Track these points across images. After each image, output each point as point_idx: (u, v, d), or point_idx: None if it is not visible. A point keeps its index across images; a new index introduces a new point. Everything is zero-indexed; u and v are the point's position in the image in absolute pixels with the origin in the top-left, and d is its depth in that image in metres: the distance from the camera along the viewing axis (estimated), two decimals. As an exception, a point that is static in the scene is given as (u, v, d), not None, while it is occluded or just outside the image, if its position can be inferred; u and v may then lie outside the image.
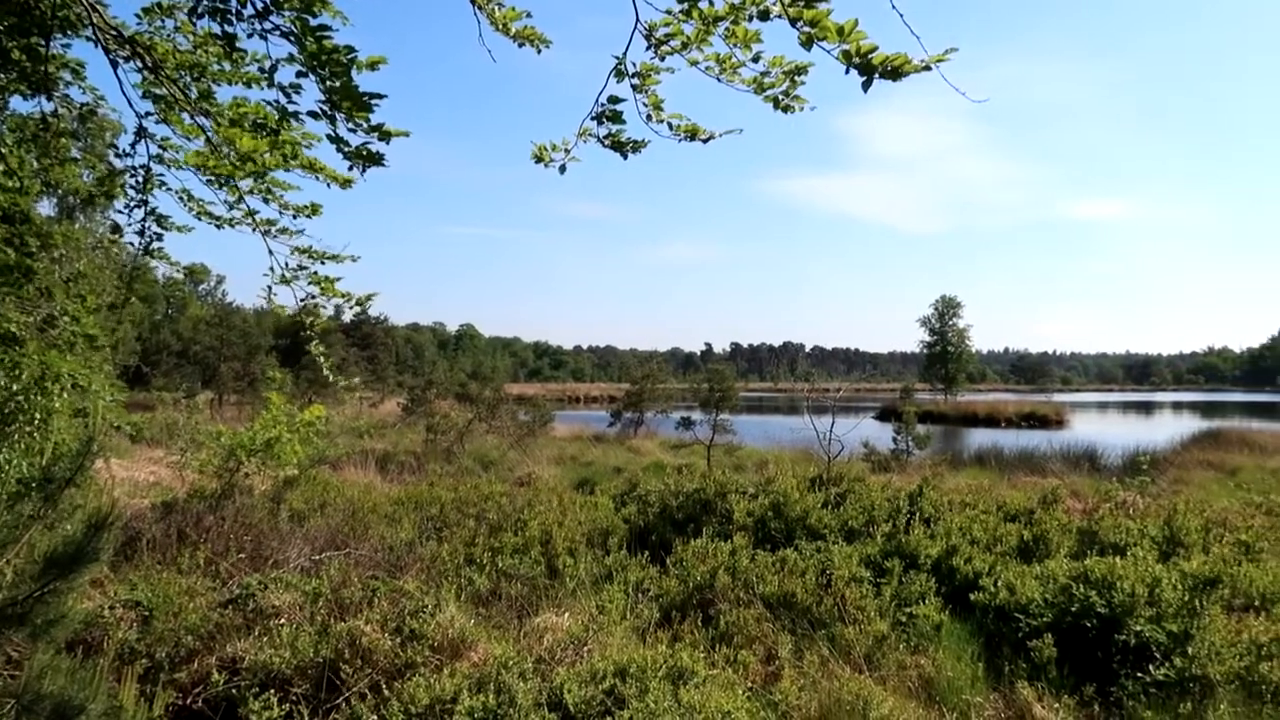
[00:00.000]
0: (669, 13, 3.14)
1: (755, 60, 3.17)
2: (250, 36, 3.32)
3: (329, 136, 3.54)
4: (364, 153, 3.66)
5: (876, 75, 2.66)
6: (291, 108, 3.55)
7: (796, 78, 3.21)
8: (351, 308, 5.13)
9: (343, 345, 58.48)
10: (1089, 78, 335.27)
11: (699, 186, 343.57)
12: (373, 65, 3.40)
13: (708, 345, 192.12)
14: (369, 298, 5.02)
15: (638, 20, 3.20)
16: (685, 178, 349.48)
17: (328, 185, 4.46)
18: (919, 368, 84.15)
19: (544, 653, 4.80)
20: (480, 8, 3.43)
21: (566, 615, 5.58)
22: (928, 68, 2.64)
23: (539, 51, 3.68)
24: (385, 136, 3.56)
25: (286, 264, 4.89)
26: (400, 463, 17.01)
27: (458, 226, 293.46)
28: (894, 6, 2.66)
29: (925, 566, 7.21)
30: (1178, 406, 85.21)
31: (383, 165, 3.75)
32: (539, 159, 3.81)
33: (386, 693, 4.22)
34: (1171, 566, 6.55)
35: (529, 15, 3.49)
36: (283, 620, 5.09)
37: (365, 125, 3.48)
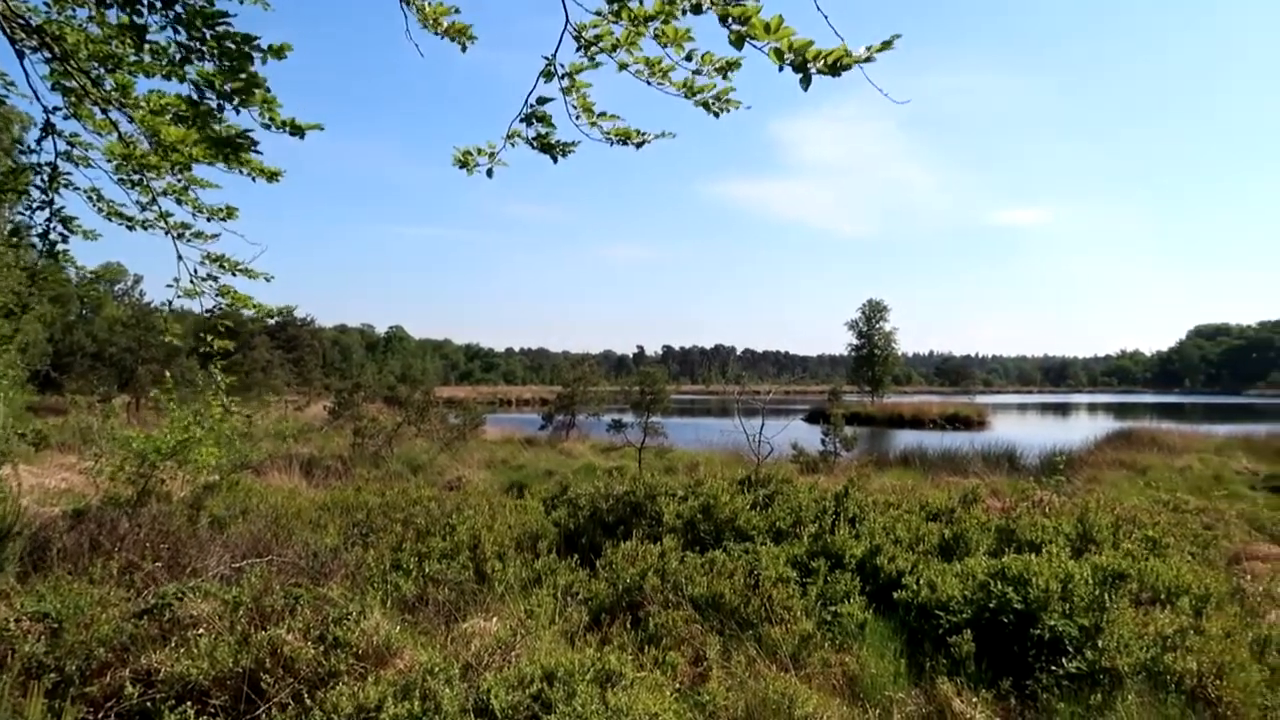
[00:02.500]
0: (598, 14, 3.13)
1: (688, 59, 3.18)
2: (164, 29, 3.21)
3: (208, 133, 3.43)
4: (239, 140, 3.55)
5: (814, 71, 2.66)
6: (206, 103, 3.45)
7: (729, 73, 3.21)
8: (267, 319, 4.99)
9: (267, 347, 57.13)
10: (1015, 88, 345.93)
11: (635, 189, 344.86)
12: (278, 53, 3.31)
13: (640, 348, 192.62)
14: (285, 310, 4.90)
15: (567, 21, 3.19)
16: (621, 180, 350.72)
17: (253, 179, 4.33)
18: (847, 370, 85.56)
19: (471, 658, 4.76)
20: (408, 4, 3.39)
21: (495, 620, 5.54)
22: (869, 59, 2.62)
23: (464, 48, 3.64)
24: (298, 131, 3.49)
25: (195, 271, 4.74)
26: (326, 467, 16.69)
27: (388, 225, 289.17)
28: (818, 7, 2.68)
29: (850, 566, 7.35)
30: (1092, 408, 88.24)
31: (257, 153, 3.63)
32: (463, 164, 3.77)
33: (309, 702, 4.13)
34: (1084, 562, 6.78)
35: (457, 11, 3.46)
36: (201, 630, 4.95)
37: (277, 121, 3.40)
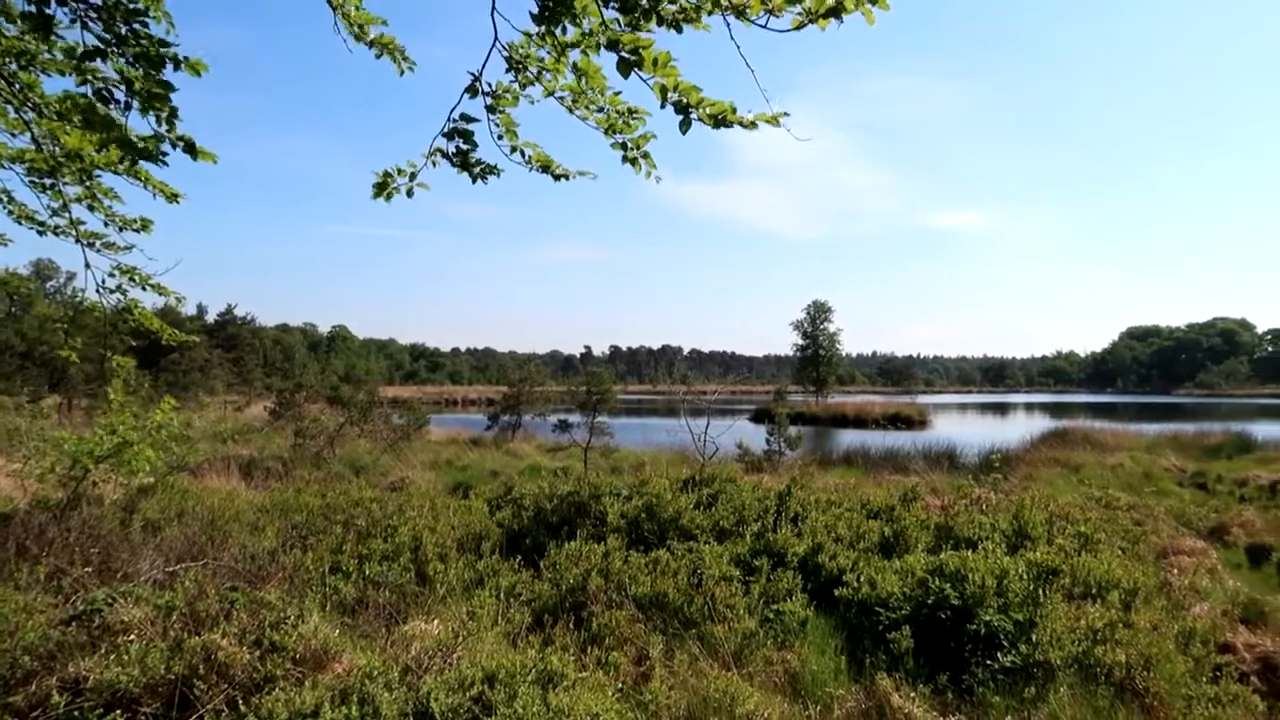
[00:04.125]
0: (527, 34, 3.11)
1: (602, 93, 3.16)
2: (73, 23, 3.09)
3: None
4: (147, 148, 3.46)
5: (695, 118, 2.68)
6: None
7: (631, 120, 3.18)
8: (174, 338, 4.83)
9: (205, 347, 55.90)
10: (954, 93, 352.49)
11: (583, 190, 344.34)
12: (194, 68, 3.22)
13: (587, 348, 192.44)
14: (193, 338, 4.77)
15: (496, 38, 3.16)
16: (571, 182, 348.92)
17: (154, 196, 4.21)
18: (792, 370, 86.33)
19: (411, 661, 4.70)
20: (335, 7, 3.33)
21: (436, 622, 5.49)
22: (753, 125, 2.66)
23: (401, 73, 3.60)
24: (191, 150, 3.40)
25: (103, 282, 4.60)
26: (266, 468, 16.35)
27: (332, 225, 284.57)
28: (738, 50, 2.68)
29: (792, 564, 7.42)
30: (1029, 407, 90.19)
31: (163, 163, 3.54)
32: (381, 188, 3.62)
33: (243, 708, 4.06)
34: (1018, 558, 6.94)
35: (385, 23, 3.40)
36: (132, 636, 4.82)
37: (173, 134, 3.31)
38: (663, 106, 2.70)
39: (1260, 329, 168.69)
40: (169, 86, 3.21)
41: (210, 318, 62.52)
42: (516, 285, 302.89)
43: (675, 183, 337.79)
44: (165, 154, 3.52)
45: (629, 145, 3.25)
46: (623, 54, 2.67)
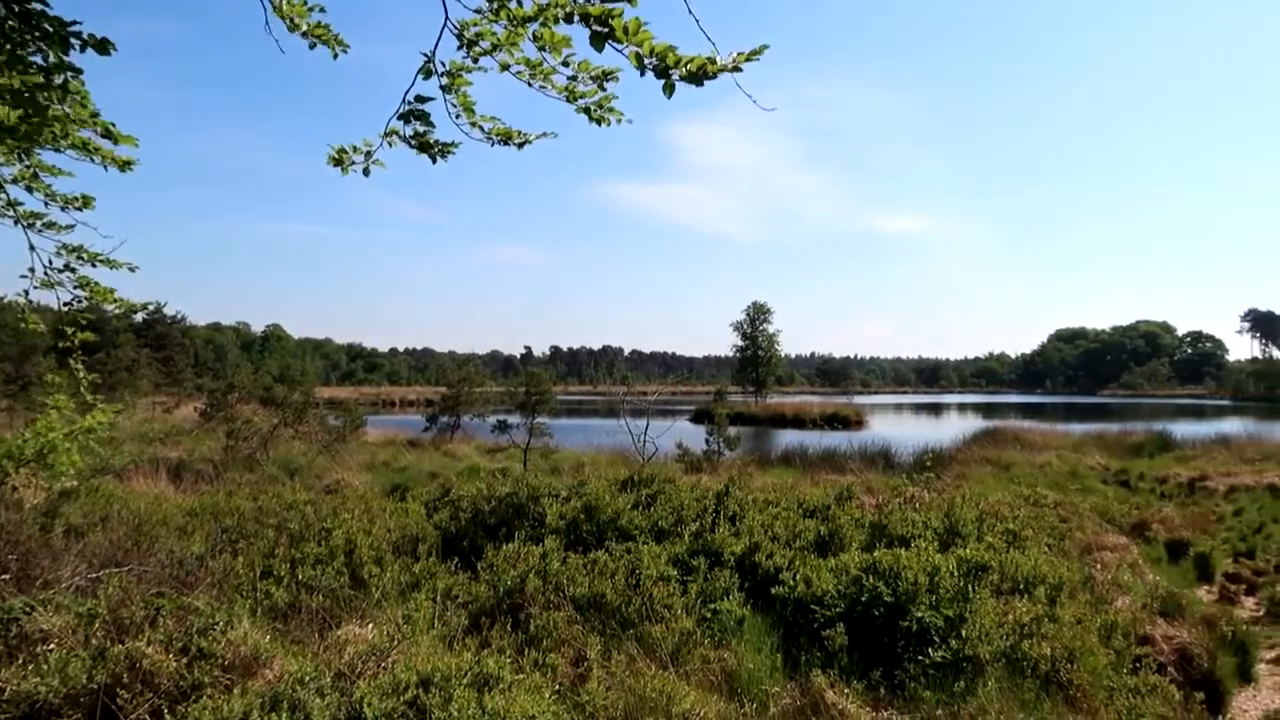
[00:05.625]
0: (478, 12, 3.10)
1: (565, 65, 3.16)
2: None
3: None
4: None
5: (676, 78, 2.67)
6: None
7: (604, 83, 3.21)
8: (132, 314, 4.73)
9: (133, 346, 54.30)
10: (894, 101, 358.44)
11: (523, 191, 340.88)
12: (101, 47, 3.12)
13: (527, 348, 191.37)
14: (149, 306, 4.67)
15: (447, 18, 3.14)
16: (509, 182, 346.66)
17: (105, 168, 4.10)
18: (732, 371, 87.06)
19: (345, 666, 4.63)
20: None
21: (371, 626, 5.42)
22: (737, 68, 2.61)
23: (335, 55, 3.55)
24: (109, 135, 3.32)
25: (50, 263, 4.48)
26: (196, 471, 15.94)
27: (268, 222, 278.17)
28: (690, 10, 2.70)
29: (730, 563, 7.48)
30: (962, 407, 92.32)
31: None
32: (337, 163, 3.67)
33: (169, 717, 3.95)
34: (950, 555, 7.10)
35: (323, 10, 3.35)
36: (52, 645, 4.66)
37: (89, 113, 3.22)
38: (642, 74, 2.67)
39: (1180, 331, 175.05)
40: (75, 70, 3.12)
41: (138, 316, 60.66)
42: (458, 285, 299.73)
43: (616, 185, 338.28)
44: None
45: (593, 107, 3.25)
46: (594, 27, 2.66)
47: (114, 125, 3.40)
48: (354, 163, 3.63)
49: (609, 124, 3.32)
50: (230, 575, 6.51)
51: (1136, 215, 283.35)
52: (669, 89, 2.68)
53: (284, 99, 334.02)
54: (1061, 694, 5.65)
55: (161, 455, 17.52)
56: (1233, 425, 39.97)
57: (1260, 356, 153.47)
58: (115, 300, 4.68)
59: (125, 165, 4.03)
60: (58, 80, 3.18)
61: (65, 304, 4.67)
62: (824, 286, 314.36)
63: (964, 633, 5.89)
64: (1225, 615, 8.42)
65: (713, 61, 2.61)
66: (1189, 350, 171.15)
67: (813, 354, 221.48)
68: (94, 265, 4.57)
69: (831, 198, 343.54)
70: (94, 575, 6.04)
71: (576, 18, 2.75)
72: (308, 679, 4.20)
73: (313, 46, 3.41)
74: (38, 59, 3.12)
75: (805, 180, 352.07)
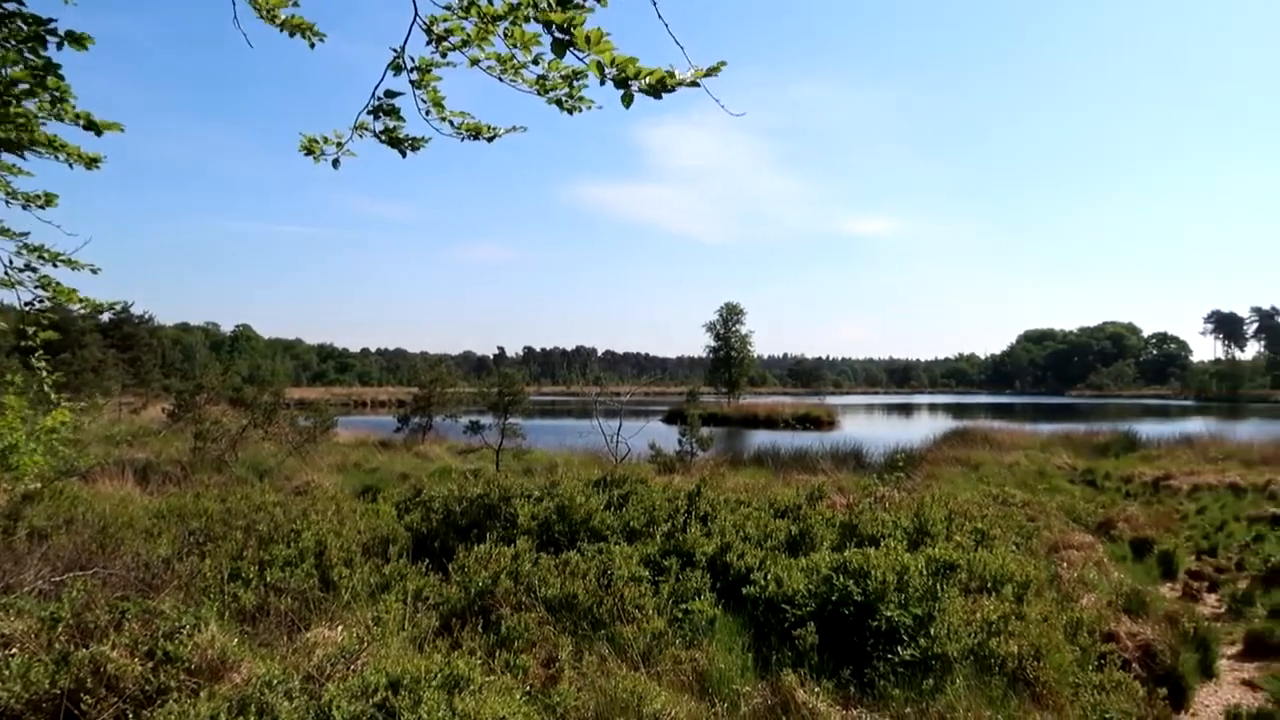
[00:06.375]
0: (448, 8, 3.10)
1: (535, 63, 3.17)
2: None
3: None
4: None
5: (636, 90, 2.69)
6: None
7: (575, 83, 3.23)
8: (98, 314, 4.65)
9: (99, 346, 53.51)
10: (867, 103, 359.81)
11: (497, 190, 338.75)
12: (78, 41, 3.09)
13: (500, 349, 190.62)
14: (115, 306, 4.60)
15: (416, 13, 3.14)
16: (482, 181, 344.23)
17: (70, 166, 4.04)
18: (705, 372, 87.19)
19: (313, 669, 4.60)
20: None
21: (340, 628, 5.39)
22: (695, 84, 2.65)
23: (312, 45, 3.53)
24: (93, 127, 3.28)
25: (10, 262, 4.40)
26: (164, 473, 15.72)
27: (238, 221, 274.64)
28: (659, 15, 2.71)
29: (701, 563, 7.50)
30: (933, 408, 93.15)
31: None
32: (309, 152, 3.65)
33: (134, 722, 3.92)
34: (919, 555, 7.16)
35: (295, 4, 3.33)
36: (14, 650, 4.60)
37: (70, 113, 3.19)
38: (602, 83, 2.69)
39: (1146, 333, 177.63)
40: (54, 66, 3.08)
41: (104, 316, 59.69)
42: (431, 285, 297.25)
43: (589, 185, 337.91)
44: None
45: (564, 98, 3.26)
46: (555, 34, 2.67)
47: (93, 115, 3.35)
48: (325, 153, 3.62)
49: (581, 112, 3.33)
50: (197, 578, 6.45)
51: (1105, 218, 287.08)
52: (627, 100, 2.70)
53: (252, 98, 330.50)
54: (1028, 691, 5.72)
55: (128, 457, 17.28)
56: (1196, 425, 40.76)
57: (1223, 358, 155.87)
58: (78, 300, 4.61)
59: (92, 163, 3.97)
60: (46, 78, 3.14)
61: (26, 304, 4.59)
62: (797, 288, 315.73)
63: (932, 631, 5.94)
64: (1188, 612, 8.55)
65: (671, 75, 2.64)
66: (1154, 351, 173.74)
67: (785, 355, 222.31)
68: (55, 265, 4.49)
69: (805, 199, 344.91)
70: (58, 578, 5.97)
71: (540, 23, 2.76)
72: (276, 682, 4.17)
73: (292, 35, 3.38)
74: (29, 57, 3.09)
75: (779, 181, 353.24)
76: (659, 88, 2.66)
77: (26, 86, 3.16)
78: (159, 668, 4.38)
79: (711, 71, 2.64)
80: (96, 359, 50.35)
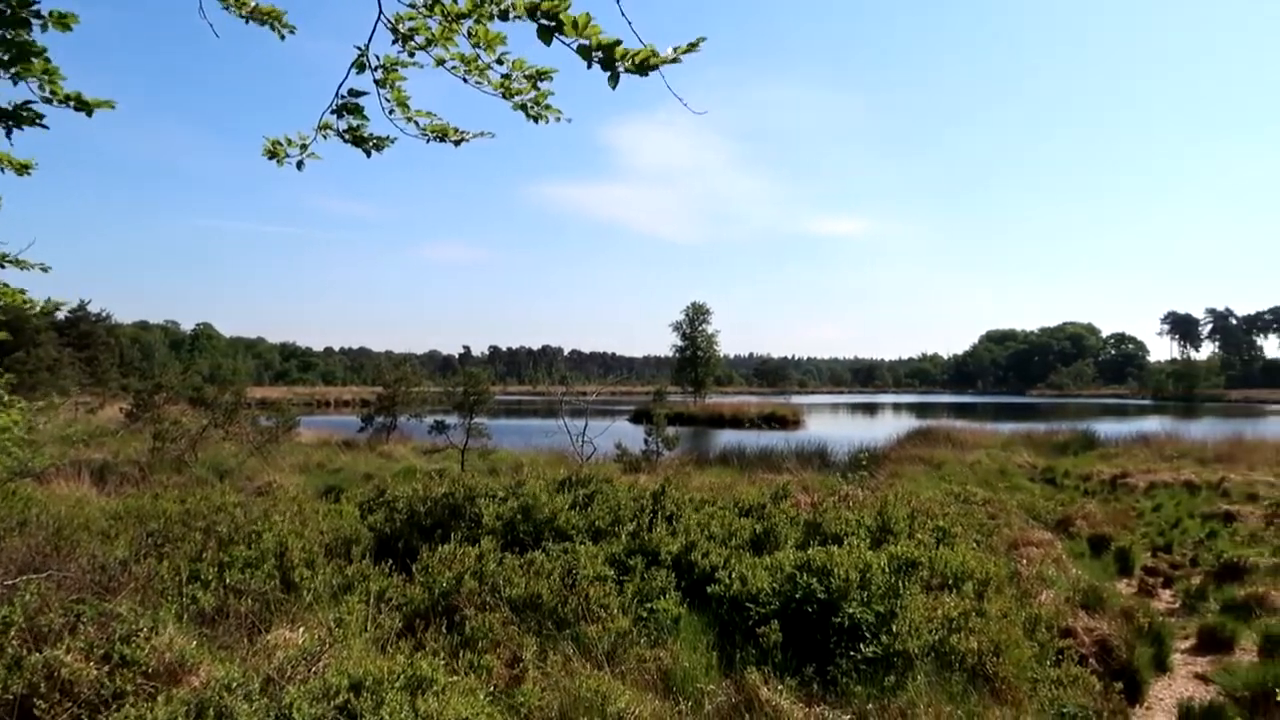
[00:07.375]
0: (413, 6, 3.09)
1: (500, 63, 3.16)
2: None
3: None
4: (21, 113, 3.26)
5: (622, 70, 2.70)
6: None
7: (539, 83, 3.22)
8: (50, 313, 4.56)
9: (55, 345, 52.46)
10: (833, 104, 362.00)
11: (462, 189, 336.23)
12: (62, 22, 3.03)
13: (466, 348, 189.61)
14: (61, 306, 4.49)
15: (380, 11, 3.12)
16: (447, 180, 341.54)
17: (1, 171, 3.93)
18: (671, 371, 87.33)
19: (274, 671, 4.55)
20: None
21: (301, 630, 5.34)
22: (675, 60, 2.67)
23: (282, 37, 3.49)
24: (84, 107, 3.23)
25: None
26: (121, 473, 15.46)
27: (198, 218, 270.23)
28: (622, 13, 2.72)
29: (666, 562, 7.52)
30: (897, 407, 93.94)
31: (42, 126, 3.34)
32: (273, 155, 3.61)
33: (89, 727, 3.85)
34: (881, 552, 7.22)
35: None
36: (-36, 656, 4.51)
37: (60, 94, 3.13)
38: (589, 66, 2.70)
39: (1104, 333, 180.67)
40: (34, 50, 3.02)
41: (60, 314, 58.49)
42: (396, 285, 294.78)
43: (556, 185, 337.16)
44: (43, 116, 3.30)
45: (530, 104, 3.26)
46: (541, 21, 2.67)
47: (83, 94, 3.29)
48: (289, 156, 3.59)
49: (547, 121, 3.33)
50: (155, 580, 6.35)
51: (1065, 219, 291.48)
52: (614, 80, 2.72)
53: (215, 95, 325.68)
54: (988, 686, 5.80)
55: (85, 457, 16.98)
56: (1153, 424, 41.47)
57: (1179, 358, 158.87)
58: (26, 301, 4.50)
59: (23, 169, 3.86)
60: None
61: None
62: (763, 287, 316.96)
63: (894, 628, 6.00)
64: (1143, 608, 8.72)
65: (656, 54, 2.66)
66: (1112, 351, 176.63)
67: (751, 354, 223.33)
68: (2, 266, 4.38)
69: (771, 199, 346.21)
70: (10, 582, 5.85)
71: (525, 11, 2.77)
72: (235, 685, 4.12)
73: (262, 24, 3.34)
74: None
75: (745, 182, 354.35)
76: (645, 66, 2.67)
77: None
78: (115, 671, 4.32)
79: (692, 47, 2.67)
80: (52, 358, 49.35)
